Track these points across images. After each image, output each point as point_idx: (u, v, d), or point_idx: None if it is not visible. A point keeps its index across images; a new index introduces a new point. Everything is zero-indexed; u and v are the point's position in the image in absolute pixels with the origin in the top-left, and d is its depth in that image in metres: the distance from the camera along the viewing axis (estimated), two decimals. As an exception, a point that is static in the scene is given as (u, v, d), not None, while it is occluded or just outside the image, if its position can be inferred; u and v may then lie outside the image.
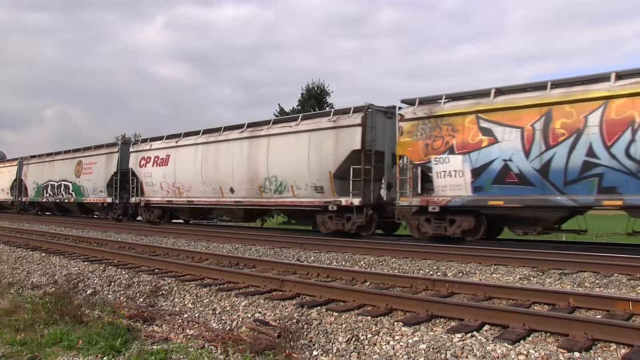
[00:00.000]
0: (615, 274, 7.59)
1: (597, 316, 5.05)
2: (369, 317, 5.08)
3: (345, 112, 14.27)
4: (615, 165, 9.83)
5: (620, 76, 10.18)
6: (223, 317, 5.57)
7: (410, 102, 13.08)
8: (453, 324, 4.84)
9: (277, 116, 36.09)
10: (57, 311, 5.69)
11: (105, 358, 4.38)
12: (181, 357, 4.31)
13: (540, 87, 11.17)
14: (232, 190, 16.64)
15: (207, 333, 4.90)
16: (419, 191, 12.71)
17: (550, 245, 11.70)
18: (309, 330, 4.87)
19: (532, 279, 7.51)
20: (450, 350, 4.06)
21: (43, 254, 10.65)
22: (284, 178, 15.13)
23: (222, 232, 15.59)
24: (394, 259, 9.61)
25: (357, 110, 13.93)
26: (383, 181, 14.01)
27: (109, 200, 22.68)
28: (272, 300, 5.97)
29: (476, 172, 11.52)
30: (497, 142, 11.27)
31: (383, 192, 13.77)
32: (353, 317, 5.16)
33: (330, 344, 4.50)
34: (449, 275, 7.97)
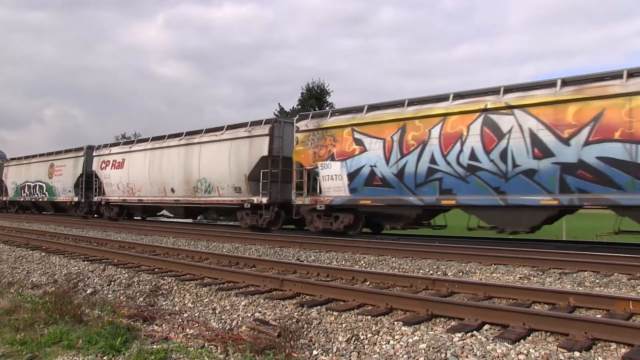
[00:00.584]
0: (616, 274, 7.59)
1: (598, 316, 5.05)
2: (369, 317, 5.07)
3: (258, 123, 16.60)
4: (450, 171, 11.89)
5: (456, 96, 12.28)
6: (223, 317, 5.57)
7: (304, 117, 15.48)
8: (453, 323, 4.84)
9: (277, 116, 36.19)
10: (57, 311, 5.69)
11: (105, 357, 4.38)
12: (181, 356, 4.30)
13: (399, 104, 13.29)
14: (172, 190, 19.37)
15: (207, 332, 4.90)
16: (310, 192, 14.99)
17: (550, 244, 11.71)
18: (309, 329, 4.87)
19: (532, 278, 7.51)
20: (450, 349, 4.05)
21: (43, 254, 10.65)
22: (211, 180, 17.64)
23: (222, 232, 15.61)
24: (394, 259, 9.61)
25: (267, 122, 16.40)
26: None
27: (76, 199, 25.30)
28: (272, 300, 5.96)
29: (351, 176, 13.69)
30: (366, 150, 13.46)
31: (293, 193, 15.42)
32: (353, 316, 5.16)
33: (330, 343, 4.50)
34: (449, 274, 7.97)
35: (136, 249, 11.46)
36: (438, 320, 4.98)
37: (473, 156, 11.57)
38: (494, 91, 11.70)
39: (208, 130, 18.31)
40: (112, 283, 7.55)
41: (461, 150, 11.68)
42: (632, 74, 9.95)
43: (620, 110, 9.76)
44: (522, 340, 4.27)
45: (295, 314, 5.36)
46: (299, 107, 40.30)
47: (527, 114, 10.89)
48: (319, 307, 5.58)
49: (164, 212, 23.96)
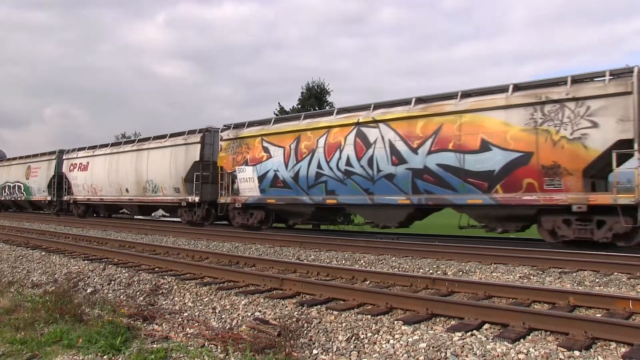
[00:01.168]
0: (615, 273, 7.60)
1: (597, 315, 5.06)
2: (369, 316, 5.08)
3: (193, 132, 19.10)
4: (333, 175, 14.09)
5: (339, 111, 14.59)
6: (223, 316, 5.57)
7: (227, 127, 17.72)
8: (453, 322, 4.84)
9: (277, 115, 36.20)
10: (57, 310, 5.69)
11: (105, 357, 4.38)
12: (181, 355, 4.31)
13: (296, 118, 15.98)
14: (127, 190, 21.90)
15: (207, 332, 4.90)
16: (231, 192, 17.31)
17: (550, 244, 11.71)
18: (309, 329, 4.88)
19: (532, 277, 7.51)
20: (450, 349, 4.06)
21: (43, 253, 10.65)
22: (157, 182, 20.23)
23: (223, 231, 15.63)
24: (393, 258, 9.61)
25: (200, 131, 18.85)
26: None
27: (49, 198, 27.91)
28: (272, 299, 5.97)
29: (260, 179, 15.99)
30: (271, 157, 15.69)
31: (219, 193, 17.75)
32: (353, 315, 5.17)
33: (330, 342, 4.50)
34: (448, 274, 7.97)
35: (136, 248, 11.46)
36: (438, 320, 4.99)
37: (348, 162, 13.76)
38: (366, 107, 13.79)
39: (155, 138, 20.95)
40: (113, 282, 7.56)
41: (340, 158, 13.96)
42: (465, 94, 12.04)
43: (453, 125, 11.82)
44: (522, 340, 4.27)
45: (295, 313, 5.37)
46: (299, 106, 40.24)
47: (388, 127, 13.02)
48: (319, 306, 5.59)
49: (125, 210, 26.16)
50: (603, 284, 6.95)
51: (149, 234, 15.65)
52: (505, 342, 4.15)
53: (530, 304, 5.64)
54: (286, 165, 15.18)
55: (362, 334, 4.61)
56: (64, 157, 26.63)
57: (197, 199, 18.29)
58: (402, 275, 7.16)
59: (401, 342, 4.32)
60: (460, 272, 8.07)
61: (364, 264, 9.21)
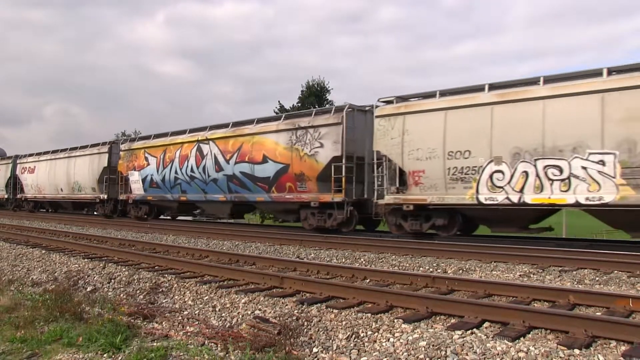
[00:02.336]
0: (615, 271, 7.60)
1: (597, 313, 5.05)
2: (369, 314, 5.08)
3: (105, 144, 24.14)
4: (184, 179, 18.85)
5: (191, 131, 19.22)
6: (223, 314, 5.57)
7: (125, 141, 23.77)
8: (453, 321, 4.84)
9: (276, 113, 36.24)
10: (57, 308, 5.70)
11: (105, 355, 4.39)
12: (181, 354, 4.31)
13: (164, 135, 20.64)
14: (61, 190, 26.69)
15: (207, 330, 4.90)
16: (126, 191, 22.17)
17: (550, 242, 11.71)
18: (309, 327, 4.88)
19: (532, 276, 7.51)
20: (450, 347, 4.06)
21: (43, 251, 10.65)
22: (81, 183, 24.98)
23: (223, 230, 15.63)
24: (394, 256, 9.61)
25: (109, 143, 24.15)
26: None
27: (6, 196, 33.11)
28: (272, 298, 5.97)
29: (143, 181, 20.98)
30: (150, 164, 20.61)
31: (120, 192, 22.92)
32: (353, 314, 5.17)
33: (331, 341, 4.50)
34: (449, 272, 7.97)
35: (136, 246, 11.46)
36: (438, 318, 4.99)
37: (192, 169, 18.46)
38: (204, 129, 18.68)
39: (80, 147, 25.94)
40: (112, 281, 7.56)
41: (188, 166, 18.63)
42: (260, 120, 16.74)
43: (249, 144, 16.38)
44: (522, 338, 4.27)
45: (296, 311, 5.37)
46: (299, 104, 40.24)
47: (214, 144, 17.68)
48: (319, 304, 5.59)
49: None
50: (603, 283, 6.95)
51: (149, 233, 15.66)
52: (505, 341, 4.15)
53: (530, 303, 5.64)
54: (158, 171, 20.14)
55: (362, 332, 4.62)
56: (18, 161, 31.64)
57: (105, 196, 23.39)
58: (402, 274, 7.16)
59: (401, 341, 4.32)
60: (460, 271, 8.07)
61: (364, 262, 9.21)
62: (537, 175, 10.49)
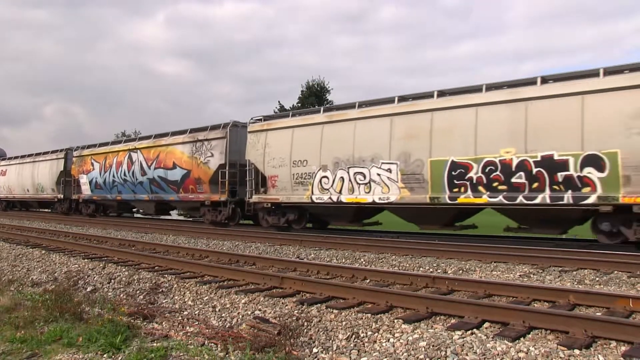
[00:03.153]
0: (615, 271, 7.59)
1: (598, 313, 5.05)
2: (369, 315, 5.08)
3: (62, 150, 27.63)
4: (120, 181, 22.26)
5: (126, 141, 23.91)
6: (223, 315, 5.57)
7: (77, 149, 26.35)
8: (453, 321, 4.84)
9: (276, 112, 36.34)
10: (57, 308, 5.70)
11: (105, 355, 4.38)
12: (181, 354, 4.31)
13: (106, 144, 24.48)
14: (28, 190, 30.36)
15: (207, 330, 4.90)
16: (79, 192, 25.54)
17: (550, 242, 11.72)
18: (309, 327, 4.88)
19: (532, 276, 7.51)
20: (450, 347, 4.06)
21: (43, 252, 10.65)
22: (43, 184, 28.53)
23: (223, 230, 15.63)
24: (394, 256, 9.61)
25: (64, 150, 27.47)
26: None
27: None
28: (272, 298, 5.97)
29: (90, 183, 24.49)
30: (94, 169, 24.07)
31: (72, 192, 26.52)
32: (353, 314, 5.16)
33: (331, 341, 4.50)
34: (449, 272, 7.97)
35: (136, 246, 11.46)
36: (438, 318, 4.99)
37: (125, 174, 21.88)
38: (134, 139, 23.30)
39: (43, 153, 29.26)
40: (112, 281, 7.56)
41: (122, 171, 22.05)
42: (174, 133, 20.09)
43: (164, 153, 19.88)
44: (522, 338, 4.27)
45: (296, 311, 5.37)
46: (299, 104, 40.28)
47: (140, 153, 21.15)
48: (319, 304, 5.59)
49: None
50: (603, 283, 6.95)
51: (149, 233, 15.66)
52: (505, 341, 4.15)
53: (531, 303, 5.64)
54: (100, 175, 23.60)
55: (362, 332, 4.61)
56: None
57: (61, 196, 26.90)
58: (402, 274, 7.16)
59: (401, 341, 4.32)
60: (461, 271, 8.07)
61: (364, 262, 9.21)
62: (350, 180, 13.47)
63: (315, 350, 4.33)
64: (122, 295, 6.76)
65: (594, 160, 9.80)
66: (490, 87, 11.57)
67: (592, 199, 9.78)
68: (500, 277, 7.53)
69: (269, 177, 15.46)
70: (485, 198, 11.21)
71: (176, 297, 6.45)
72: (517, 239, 12.91)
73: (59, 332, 4.97)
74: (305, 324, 4.96)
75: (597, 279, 7.19)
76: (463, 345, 4.09)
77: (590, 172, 9.87)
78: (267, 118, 16.29)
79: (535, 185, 10.53)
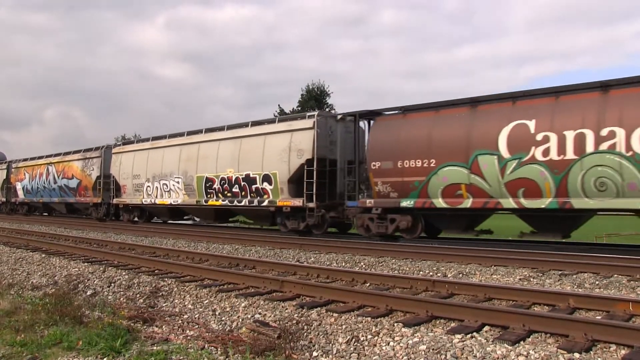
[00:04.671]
0: (615, 275, 7.59)
1: (597, 317, 5.05)
2: (369, 318, 5.08)
3: (5, 163, 34.10)
4: (42, 188, 28.86)
5: (46, 157, 29.61)
6: (223, 318, 5.57)
7: (17, 161, 32.38)
8: (453, 324, 4.84)
9: (276, 116, 36.53)
10: (57, 312, 5.69)
11: (105, 359, 4.38)
12: (181, 357, 4.31)
13: (40, 158, 30.03)
14: None
15: (207, 334, 4.90)
16: (16, 196, 32.14)
17: (550, 246, 11.72)
18: (309, 331, 4.88)
19: (532, 279, 7.51)
20: (450, 351, 4.06)
21: (43, 255, 10.65)
22: None
23: (223, 233, 15.63)
24: (394, 260, 9.61)
25: (7, 162, 34.11)
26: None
27: None
28: (272, 301, 5.97)
29: (23, 189, 31.22)
30: (26, 178, 30.75)
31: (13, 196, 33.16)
32: (353, 318, 5.16)
33: (330, 344, 4.50)
34: (448, 276, 7.96)
35: (136, 250, 11.46)
36: (438, 322, 4.99)
37: (44, 182, 28.49)
38: (51, 156, 28.65)
39: None
40: (112, 284, 7.56)
41: (43, 180, 28.61)
42: (75, 152, 26.48)
43: (65, 168, 26.50)
44: (522, 342, 4.27)
45: (295, 315, 5.37)
46: (299, 108, 40.30)
47: (53, 166, 27.63)
48: (319, 308, 5.59)
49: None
50: (603, 286, 6.95)
51: (149, 236, 15.66)
52: (505, 344, 4.15)
53: (531, 306, 5.64)
54: (29, 182, 30.38)
55: (362, 336, 4.61)
56: None
57: (5, 199, 33.63)
58: (402, 278, 7.16)
59: (401, 345, 4.32)
60: (460, 275, 8.07)
61: (364, 266, 9.21)
62: (160, 188, 19.90)
63: (315, 353, 4.33)
64: (122, 298, 6.76)
65: (267, 177, 15.72)
66: (230, 127, 17.67)
67: (266, 203, 15.86)
68: (500, 280, 7.53)
69: (122, 186, 22.26)
70: (220, 202, 17.46)
71: (176, 301, 6.45)
72: (516, 243, 12.93)
73: (59, 336, 4.97)
74: (305, 327, 4.96)
75: (596, 282, 7.19)
76: (463, 348, 4.10)
77: (266, 185, 15.80)
78: (124, 144, 24.33)
79: (243, 193, 16.61)
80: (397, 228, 13.10)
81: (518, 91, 11.76)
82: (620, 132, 9.75)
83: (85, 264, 9.29)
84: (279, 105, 45.82)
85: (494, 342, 4.24)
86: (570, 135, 10.32)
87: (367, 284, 7.10)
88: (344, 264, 9.41)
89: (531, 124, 10.86)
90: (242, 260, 9.25)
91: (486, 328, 4.69)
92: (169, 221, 22.12)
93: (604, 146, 9.92)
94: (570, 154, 10.27)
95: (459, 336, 4.38)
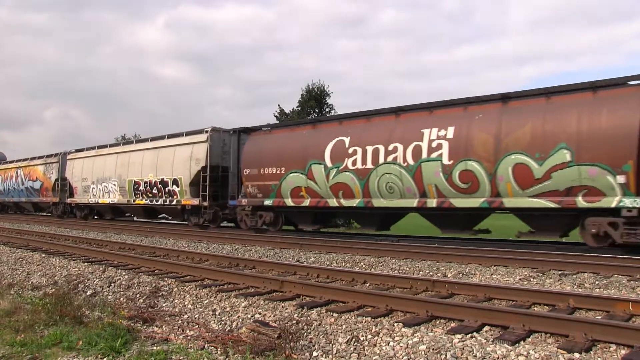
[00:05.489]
0: (615, 275, 7.59)
1: (597, 317, 5.05)
2: (369, 318, 5.08)
3: None
4: (12, 189, 33.17)
5: (17, 161, 33.89)
6: (223, 318, 5.57)
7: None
8: (453, 324, 4.84)
9: (276, 117, 36.57)
10: (57, 312, 5.69)
11: (105, 359, 4.38)
12: (181, 357, 4.31)
13: (7, 162, 35.91)
14: None
15: (207, 334, 4.90)
16: None
17: (550, 246, 11.72)
18: (309, 331, 4.88)
19: (532, 279, 7.51)
20: (450, 351, 4.06)
21: (43, 255, 10.65)
22: None
23: (222, 234, 15.63)
24: (394, 260, 9.61)
25: None
26: None
27: None
28: (272, 301, 5.97)
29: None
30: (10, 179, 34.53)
31: None
32: (353, 318, 5.16)
33: (330, 344, 4.50)
34: (448, 276, 7.97)
35: (136, 250, 11.46)
36: (438, 322, 4.99)
37: (14, 183, 32.26)
38: (20, 160, 32.39)
39: None
40: (112, 284, 7.56)
41: (13, 181, 32.43)
42: (33, 158, 31.23)
43: (30, 172, 30.62)
44: (522, 342, 4.27)
45: (295, 315, 5.37)
46: (299, 108, 40.26)
47: (21, 170, 31.45)
48: (319, 308, 5.59)
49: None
50: (603, 286, 6.95)
51: (149, 236, 15.66)
52: (505, 344, 4.15)
53: (531, 306, 5.64)
54: (2, 184, 33.68)
55: (362, 336, 4.61)
56: None
57: None
58: (402, 278, 7.16)
59: (401, 344, 4.32)
60: (460, 274, 8.07)
61: (364, 266, 9.21)
62: (102, 190, 23.53)
63: (315, 353, 4.33)
64: (122, 298, 6.76)
65: (176, 181, 19.10)
66: (154, 139, 21.40)
67: (175, 202, 19.35)
68: (500, 280, 7.53)
69: (74, 188, 25.93)
70: (144, 201, 21.01)
71: (176, 301, 6.45)
72: (516, 243, 12.93)
73: (59, 336, 4.97)
74: (305, 327, 4.96)
75: (596, 282, 7.19)
76: (463, 348, 4.10)
77: (175, 187, 19.17)
78: (77, 151, 26.87)
79: (160, 194, 20.05)
80: (265, 222, 16.08)
81: (345, 113, 15.46)
82: (400, 147, 12.53)
83: (85, 264, 9.29)
84: (279, 105, 45.72)
85: (494, 342, 4.24)
86: (370, 149, 13.11)
87: (367, 284, 7.10)
88: (344, 264, 9.41)
89: (347, 140, 13.65)
90: (242, 260, 9.25)
91: (486, 328, 4.69)
92: (115, 218, 25.70)
93: (390, 158, 12.69)
94: (369, 164, 13.09)
95: (459, 336, 4.38)
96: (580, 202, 10.08)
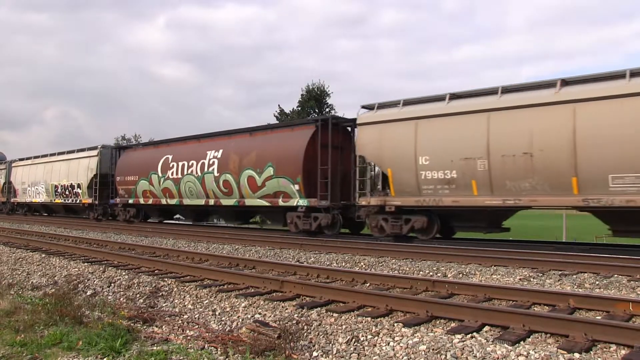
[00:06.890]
0: (615, 275, 7.60)
1: (597, 317, 5.05)
2: (369, 318, 5.08)
3: None
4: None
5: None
6: (223, 318, 5.57)
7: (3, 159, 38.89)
8: (453, 324, 4.84)
9: (276, 117, 36.52)
10: (57, 312, 5.69)
11: (105, 359, 4.38)
12: (181, 358, 4.31)
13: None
14: None
15: (207, 334, 4.90)
16: None
17: (550, 246, 11.73)
18: (309, 331, 4.88)
19: (532, 280, 7.51)
20: (450, 351, 4.06)
21: (43, 255, 10.65)
22: None
23: (223, 233, 15.63)
24: (394, 260, 9.61)
25: None
26: None
27: None
28: (272, 301, 5.97)
29: None
30: None
31: None
32: (353, 318, 5.16)
33: (330, 344, 4.50)
34: (448, 276, 7.97)
35: (136, 250, 11.46)
36: (438, 322, 4.99)
37: None
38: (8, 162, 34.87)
39: None
40: (112, 284, 7.55)
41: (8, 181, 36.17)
42: (22, 158, 33.26)
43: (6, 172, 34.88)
44: (522, 342, 4.27)
45: (295, 315, 5.37)
46: (299, 108, 40.27)
47: (12, 169, 33.46)
48: (319, 308, 5.59)
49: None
50: (603, 286, 6.95)
51: (149, 236, 15.66)
52: (505, 344, 4.15)
53: (531, 306, 5.64)
54: None
55: (362, 336, 4.61)
56: None
57: None
58: (402, 278, 7.16)
59: (401, 345, 4.32)
60: (460, 275, 8.07)
61: (364, 266, 9.21)
62: (34, 191, 29.50)
63: (315, 354, 4.33)
64: (122, 299, 6.76)
65: (80, 185, 24.92)
66: (69, 152, 26.77)
67: (79, 201, 25.28)
68: (500, 280, 7.53)
69: (16, 190, 31.36)
70: (61, 200, 26.64)
71: (176, 301, 6.45)
72: (516, 243, 12.93)
73: (59, 336, 4.96)
74: (305, 327, 4.96)
75: (597, 282, 7.19)
76: (463, 348, 4.10)
77: (79, 190, 25.09)
78: (20, 159, 31.74)
79: (70, 195, 25.91)
80: (131, 215, 22.44)
81: (172, 138, 21.68)
82: (195, 163, 18.75)
83: (85, 264, 9.29)
84: (279, 105, 45.74)
85: (494, 342, 4.24)
86: (180, 164, 19.68)
87: (367, 284, 7.10)
88: (344, 264, 9.41)
89: (170, 157, 20.02)
90: (242, 260, 9.25)
91: (486, 328, 4.69)
92: (45, 214, 31.31)
93: (189, 171, 18.97)
94: (179, 174, 19.62)
95: (459, 336, 4.38)
96: (281, 202, 15.59)
